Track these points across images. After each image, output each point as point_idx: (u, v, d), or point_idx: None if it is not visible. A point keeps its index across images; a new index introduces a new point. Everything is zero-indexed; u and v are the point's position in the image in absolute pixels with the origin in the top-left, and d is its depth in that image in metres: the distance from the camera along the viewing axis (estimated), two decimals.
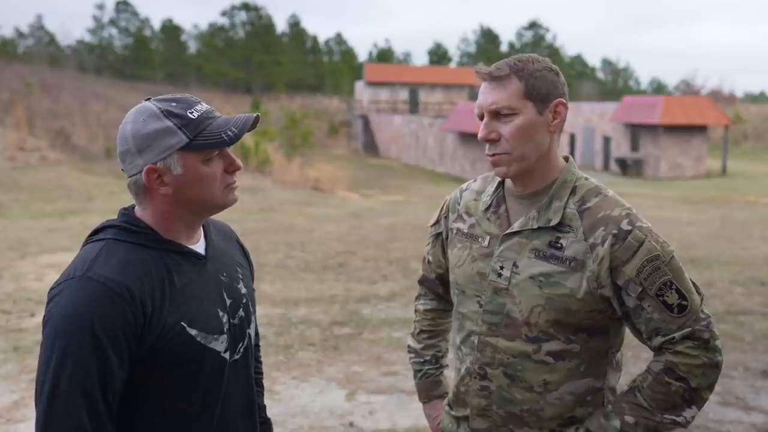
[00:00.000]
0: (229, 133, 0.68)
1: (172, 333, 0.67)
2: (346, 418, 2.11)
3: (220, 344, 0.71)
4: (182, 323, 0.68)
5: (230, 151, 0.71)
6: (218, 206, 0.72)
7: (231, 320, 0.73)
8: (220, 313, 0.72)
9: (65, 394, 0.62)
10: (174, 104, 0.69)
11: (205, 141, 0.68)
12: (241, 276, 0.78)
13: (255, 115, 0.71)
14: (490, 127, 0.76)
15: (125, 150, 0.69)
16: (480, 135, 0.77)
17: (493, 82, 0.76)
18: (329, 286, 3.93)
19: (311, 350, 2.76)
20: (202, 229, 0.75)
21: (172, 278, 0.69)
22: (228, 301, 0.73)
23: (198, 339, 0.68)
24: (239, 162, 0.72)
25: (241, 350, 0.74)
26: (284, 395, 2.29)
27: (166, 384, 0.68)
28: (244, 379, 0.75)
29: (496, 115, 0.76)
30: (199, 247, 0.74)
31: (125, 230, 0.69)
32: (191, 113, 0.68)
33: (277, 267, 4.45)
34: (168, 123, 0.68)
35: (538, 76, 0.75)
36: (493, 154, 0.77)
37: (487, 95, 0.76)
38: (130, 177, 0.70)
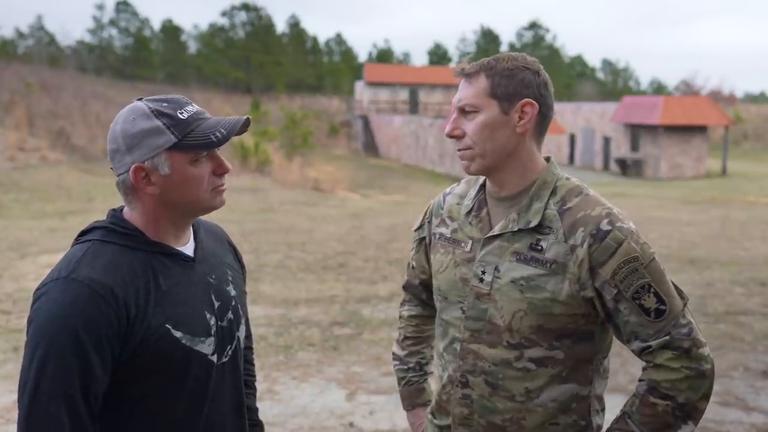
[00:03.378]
0: (218, 134, 0.68)
1: (156, 335, 0.66)
2: (346, 418, 2.11)
3: (207, 347, 0.70)
4: (167, 325, 0.67)
5: (219, 153, 0.70)
6: (204, 208, 0.71)
7: (219, 323, 0.72)
8: (208, 316, 0.71)
9: (45, 395, 0.62)
10: (165, 104, 0.68)
11: (193, 141, 0.67)
12: (230, 278, 0.77)
13: (245, 117, 0.70)
14: (455, 124, 0.77)
15: (115, 148, 0.69)
16: (446, 131, 0.77)
17: (466, 79, 0.76)
18: (329, 287, 3.93)
19: (311, 350, 2.76)
20: (192, 230, 0.75)
21: (158, 280, 0.68)
22: (216, 304, 0.73)
23: (183, 341, 0.68)
24: (228, 164, 0.71)
25: (230, 353, 0.73)
26: (284, 395, 2.28)
27: (151, 386, 0.67)
28: (233, 381, 0.75)
29: (463, 111, 0.76)
30: (188, 248, 0.73)
31: (113, 231, 0.69)
32: (181, 114, 0.68)
33: (277, 267, 4.46)
34: (157, 122, 0.67)
35: (506, 74, 0.74)
36: (459, 149, 0.77)
37: (459, 91, 0.77)
38: (118, 176, 0.69)
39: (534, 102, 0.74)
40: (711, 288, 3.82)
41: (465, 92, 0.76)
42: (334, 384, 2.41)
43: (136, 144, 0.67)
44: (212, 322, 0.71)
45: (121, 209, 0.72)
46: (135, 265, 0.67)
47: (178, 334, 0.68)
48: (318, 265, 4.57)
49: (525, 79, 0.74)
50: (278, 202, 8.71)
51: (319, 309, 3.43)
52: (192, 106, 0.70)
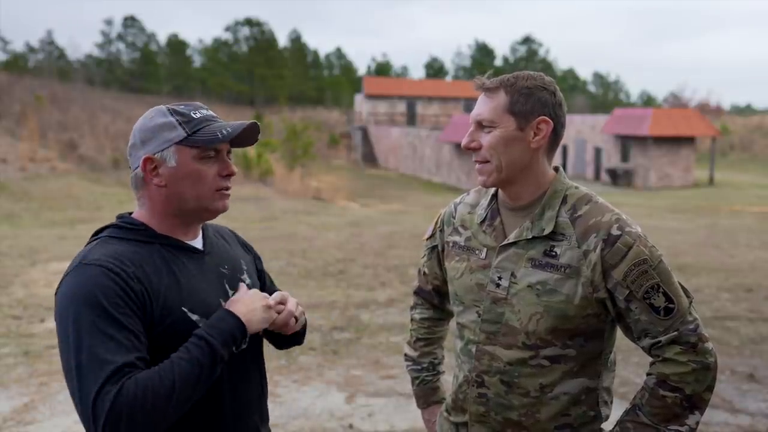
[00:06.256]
0: (224, 131, 0.71)
1: (173, 316, 0.67)
2: (345, 420, 2.14)
3: None
4: (183, 308, 0.68)
5: (228, 158, 0.74)
6: (206, 208, 0.72)
7: None
8: (223, 304, 0.72)
9: (88, 367, 0.61)
10: (182, 106, 0.74)
11: (200, 137, 0.71)
12: (245, 268, 0.79)
13: (252, 122, 0.73)
14: (472, 137, 0.79)
15: (132, 144, 0.73)
16: (462, 143, 0.80)
17: (485, 93, 0.79)
18: (329, 293, 3.97)
19: (312, 354, 2.78)
20: (201, 230, 0.77)
21: (170, 267, 0.70)
22: (230, 292, 0.74)
23: (200, 325, 0.69)
24: (234, 168, 0.74)
25: (247, 340, 0.74)
26: (286, 398, 2.30)
27: None
28: (254, 367, 0.77)
29: (480, 125, 0.79)
30: (196, 242, 0.75)
31: (120, 228, 0.72)
32: (194, 113, 0.72)
33: (279, 274, 4.45)
34: (171, 119, 0.71)
35: (525, 93, 0.76)
36: (476, 161, 0.79)
37: (478, 105, 0.79)
38: (133, 171, 0.73)
39: (549, 120, 0.77)
40: (699, 294, 3.84)
41: (484, 107, 0.78)
42: (334, 387, 2.43)
43: (150, 138, 0.71)
44: None
45: (129, 214, 0.75)
46: (143, 255, 0.69)
47: (194, 317, 0.69)
48: (318, 271, 4.61)
49: (542, 98, 0.77)
50: (280, 210, 8.72)
51: (319, 314, 3.45)
52: (207, 111, 0.75)
